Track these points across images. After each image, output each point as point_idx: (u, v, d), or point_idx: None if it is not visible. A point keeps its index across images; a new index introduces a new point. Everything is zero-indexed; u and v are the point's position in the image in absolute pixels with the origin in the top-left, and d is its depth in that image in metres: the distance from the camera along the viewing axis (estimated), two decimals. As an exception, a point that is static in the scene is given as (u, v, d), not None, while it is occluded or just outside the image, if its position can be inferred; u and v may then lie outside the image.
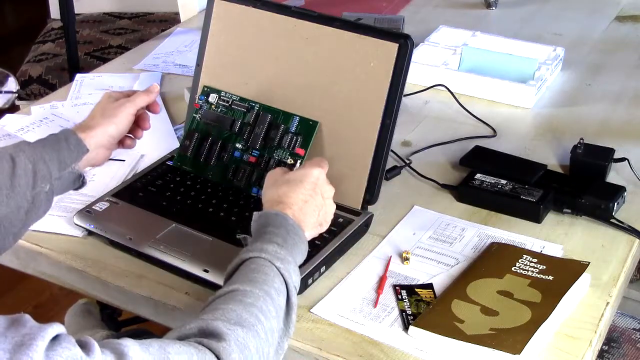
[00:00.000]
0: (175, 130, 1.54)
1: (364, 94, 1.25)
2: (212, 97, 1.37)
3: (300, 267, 1.14)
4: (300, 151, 1.28)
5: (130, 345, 0.81)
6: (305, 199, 1.10)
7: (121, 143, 1.33)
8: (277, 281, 0.99)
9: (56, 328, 0.77)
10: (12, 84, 1.15)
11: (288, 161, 1.28)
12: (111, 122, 1.27)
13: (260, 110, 1.32)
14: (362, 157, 1.26)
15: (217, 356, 0.87)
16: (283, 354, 0.98)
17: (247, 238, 1.08)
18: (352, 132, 1.26)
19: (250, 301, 0.94)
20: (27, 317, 0.78)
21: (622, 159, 1.42)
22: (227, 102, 1.35)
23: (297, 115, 1.30)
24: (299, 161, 1.27)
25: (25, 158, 1.13)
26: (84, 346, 0.78)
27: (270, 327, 0.95)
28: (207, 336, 0.89)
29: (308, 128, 1.29)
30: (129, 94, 1.33)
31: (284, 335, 0.98)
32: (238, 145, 1.33)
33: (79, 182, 1.23)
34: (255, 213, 1.09)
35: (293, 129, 1.30)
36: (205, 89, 1.38)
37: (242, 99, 1.34)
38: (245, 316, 0.92)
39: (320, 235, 1.21)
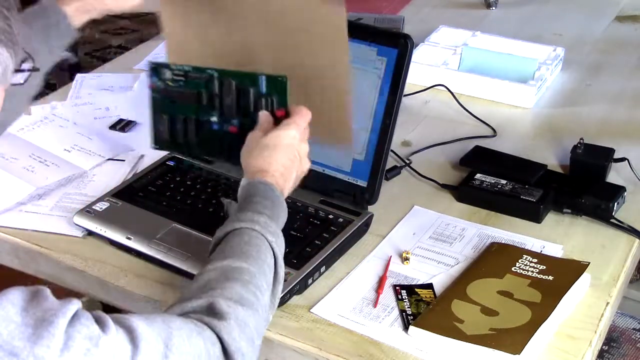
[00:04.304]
0: (175, 130, 1.54)
1: (323, 42, 1.17)
2: (166, 74, 1.22)
3: (298, 264, 1.15)
4: (281, 112, 1.17)
5: (137, 321, 0.83)
6: (286, 164, 1.10)
7: None
8: (269, 256, 1.00)
9: (75, 304, 0.79)
10: (29, 63, 1.10)
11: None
12: None
13: (220, 77, 1.19)
14: (337, 100, 1.19)
15: (217, 334, 0.88)
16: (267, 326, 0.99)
17: (233, 204, 1.08)
18: (321, 81, 1.19)
19: (247, 279, 0.95)
20: (47, 291, 0.79)
21: (622, 159, 1.42)
22: (182, 74, 1.22)
23: (264, 75, 1.18)
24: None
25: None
26: (99, 322, 0.80)
27: (265, 303, 0.97)
28: (208, 314, 0.90)
29: (279, 85, 1.18)
30: None
31: (270, 309, 0.99)
32: (213, 119, 1.23)
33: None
34: (243, 180, 1.08)
35: (264, 90, 1.19)
36: (153, 65, 1.23)
37: (196, 69, 1.20)
38: (245, 295, 0.93)
39: (321, 235, 1.21)
